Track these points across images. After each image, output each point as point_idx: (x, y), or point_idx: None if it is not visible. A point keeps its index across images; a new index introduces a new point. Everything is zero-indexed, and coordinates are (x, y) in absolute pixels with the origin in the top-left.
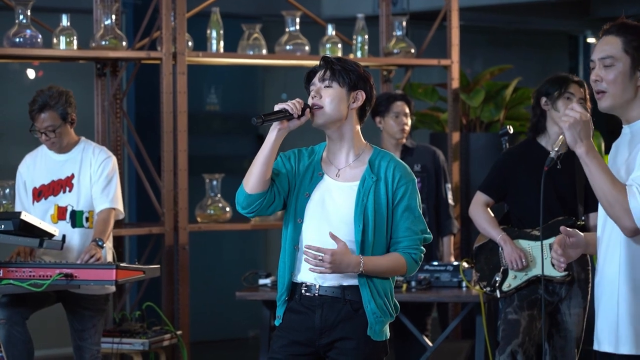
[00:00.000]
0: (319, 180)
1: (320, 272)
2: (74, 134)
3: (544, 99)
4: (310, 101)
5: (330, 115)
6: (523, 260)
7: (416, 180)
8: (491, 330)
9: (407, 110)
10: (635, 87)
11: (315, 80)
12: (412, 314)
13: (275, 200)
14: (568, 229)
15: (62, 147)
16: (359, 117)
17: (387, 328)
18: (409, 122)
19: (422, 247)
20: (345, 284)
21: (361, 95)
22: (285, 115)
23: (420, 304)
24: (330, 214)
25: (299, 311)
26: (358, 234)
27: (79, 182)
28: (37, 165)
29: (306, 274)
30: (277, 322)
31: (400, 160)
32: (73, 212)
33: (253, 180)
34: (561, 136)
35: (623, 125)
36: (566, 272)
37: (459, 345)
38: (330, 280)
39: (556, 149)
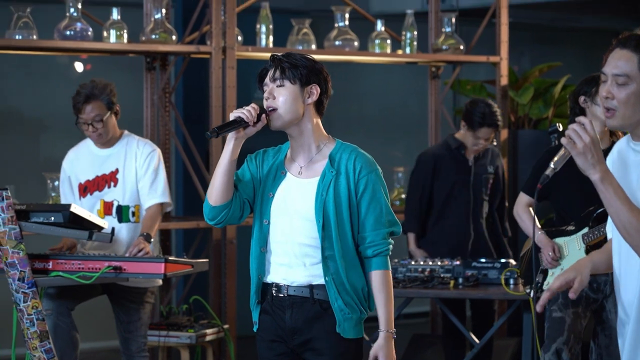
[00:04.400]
0: (282, 179)
1: None
2: (117, 128)
3: (582, 98)
4: (264, 103)
5: (285, 116)
6: (550, 253)
7: (380, 171)
8: (539, 328)
9: (491, 135)
10: None
11: (267, 80)
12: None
13: (244, 210)
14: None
15: (107, 139)
16: (317, 110)
17: (359, 326)
18: (487, 144)
19: (390, 239)
20: (314, 283)
21: (315, 89)
22: (240, 124)
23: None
24: (293, 212)
25: (271, 313)
26: (319, 230)
27: (123, 176)
28: (81, 161)
29: (275, 275)
30: (254, 328)
31: (363, 152)
32: (119, 207)
33: (215, 192)
34: (561, 150)
35: (633, 141)
36: None
37: (505, 343)
38: (300, 280)
39: (553, 166)
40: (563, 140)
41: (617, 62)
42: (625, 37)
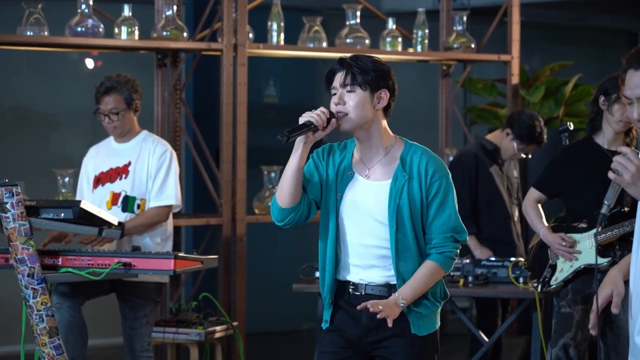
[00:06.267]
0: (350, 180)
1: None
2: (137, 125)
3: (602, 98)
4: (333, 107)
5: (355, 121)
6: (563, 243)
7: (450, 175)
8: (547, 327)
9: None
10: None
11: (336, 84)
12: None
13: (311, 210)
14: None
15: (123, 133)
16: (384, 113)
17: (434, 319)
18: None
19: (457, 243)
20: (391, 282)
21: (385, 94)
22: (310, 128)
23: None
24: (366, 215)
25: (347, 310)
26: (392, 234)
27: (134, 169)
28: (99, 155)
29: (353, 274)
30: (324, 326)
31: (433, 154)
32: (126, 197)
33: (284, 194)
34: (615, 186)
35: None
36: (609, 259)
37: (515, 341)
38: (377, 280)
39: (607, 203)
40: (610, 175)
41: (637, 84)
42: (635, 56)
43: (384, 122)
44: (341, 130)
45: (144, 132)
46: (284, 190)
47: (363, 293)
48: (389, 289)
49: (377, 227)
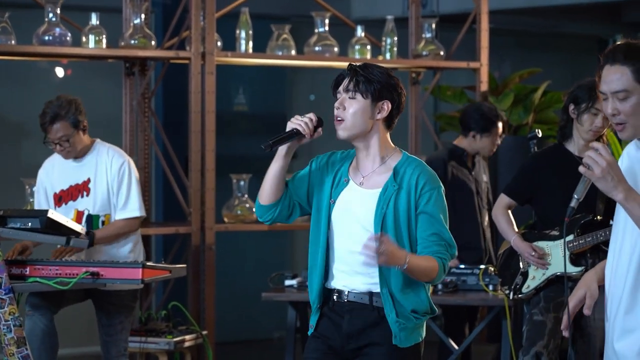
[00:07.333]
0: (344, 186)
1: (377, 261)
2: (87, 138)
3: (572, 106)
4: (335, 112)
5: (350, 129)
6: (532, 253)
7: (443, 189)
8: (516, 334)
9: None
10: None
11: (341, 88)
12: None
13: (293, 211)
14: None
15: (76, 155)
16: (386, 125)
17: (418, 331)
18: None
19: (447, 254)
20: (374, 290)
21: (387, 106)
22: (295, 137)
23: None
24: (353, 221)
25: (330, 317)
26: (377, 242)
27: (95, 186)
28: (56, 170)
29: (337, 281)
30: (310, 331)
31: (428, 167)
32: (89, 217)
33: (264, 192)
34: (585, 180)
35: None
36: (582, 267)
37: (485, 349)
38: (360, 287)
39: (577, 197)
40: (581, 169)
41: (612, 79)
42: (611, 52)
43: (385, 134)
44: (338, 139)
45: (97, 143)
46: (264, 188)
47: (346, 300)
48: (370, 296)
49: (363, 234)
